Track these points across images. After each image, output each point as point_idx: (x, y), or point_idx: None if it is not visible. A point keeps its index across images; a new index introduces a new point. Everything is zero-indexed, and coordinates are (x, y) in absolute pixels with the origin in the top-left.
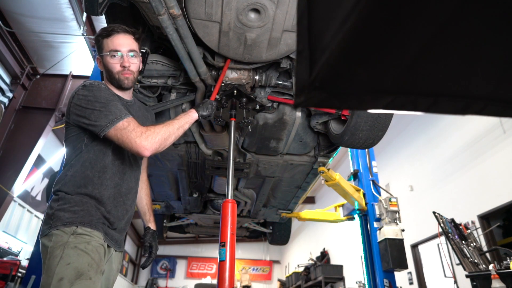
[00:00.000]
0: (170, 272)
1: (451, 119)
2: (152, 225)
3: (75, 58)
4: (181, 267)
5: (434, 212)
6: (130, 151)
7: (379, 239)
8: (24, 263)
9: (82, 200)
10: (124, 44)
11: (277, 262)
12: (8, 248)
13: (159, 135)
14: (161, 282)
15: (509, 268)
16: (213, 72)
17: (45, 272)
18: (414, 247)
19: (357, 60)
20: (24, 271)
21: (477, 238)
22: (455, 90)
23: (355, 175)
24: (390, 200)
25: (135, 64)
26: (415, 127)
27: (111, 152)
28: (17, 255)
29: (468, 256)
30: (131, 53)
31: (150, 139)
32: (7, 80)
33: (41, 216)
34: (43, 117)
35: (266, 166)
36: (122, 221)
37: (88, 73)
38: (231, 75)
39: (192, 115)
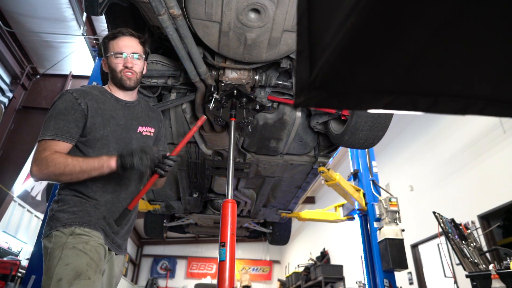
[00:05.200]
0: (170, 272)
1: (451, 119)
2: None
3: (75, 58)
4: (181, 267)
5: (434, 212)
6: None
7: (379, 239)
8: (24, 263)
9: (81, 200)
10: (128, 46)
11: (277, 262)
12: (8, 248)
13: (53, 168)
14: (161, 282)
15: (509, 268)
16: (213, 72)
17: (45, 273)
18: (414, 247)
19: (357, 60)
20: (24, 271)
21: (477, 238)
22: (455, 90)
23: (355, 175)
24: (390, 200)
25: (138, 65)
26: (415, 127)
27: None
28: (17, 255)
29: (468, 256)
30: (135, 55)
31: (43, 167)
32: (7, 80)
33: (41, 216)
34: (43, 117)
35: (266, 166)
36: (124, 227)
37: (88, 73)
38: (231, 75)
39: (108, 165)
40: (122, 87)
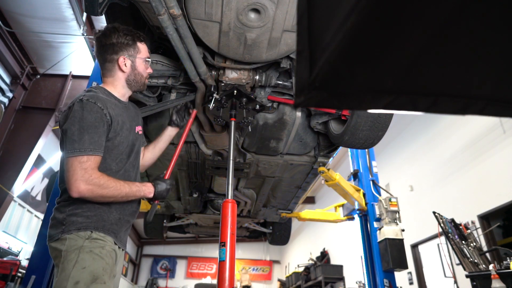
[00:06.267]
0: (170, 272)
1: (451, 119)
2: None
3: (75, 58)
4: (181, 267)
5: (434, 212)
6: (65, 183)
7: (379, 239)
8: (24, 263)
9: (95, 205)
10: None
11: (277, 262)
12: (8, 248)
13: (106, 191)
14: (161, 282)
15: (509, 268)
16: (213, 72)
17: (59, 275)
18: (414, 247)
19: (357, 60)
20: (24, 271)
21: (477, 238)
22: (455, 90)
23: (355, 175)
24: (390, 200)
25: None
26: (415, 127)
27: (114, 164)
28: (17, 255)
29: (468, 256)
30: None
31: (96, 188)
32: (7, 80)
33: (41, 216)
34: (43, 117)
35: (266, 166)
36: (130, 222)
37: (88, 73)
38: (231, 75)
39: (146, 192)
40: (141, 91)
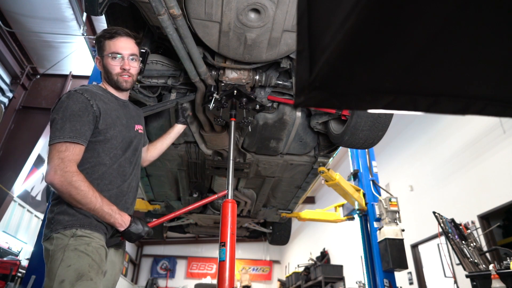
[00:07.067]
0: (170, 272)
1: (451, 119)
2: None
3: (75, 58)
4: (181, 267)
5: (434, 212)
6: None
7: (379, 239)
8: (24, 263)
9: None
10: (126, 48)
11: (277, 262)
12: (8, 248)
13: (74, 191)
14: (161, 282)
15: (509, 268)
16: (213, 72)
17: (47, 275)
18: (414, 247)
19: (357, 60)
20: (24, 271)
21: (477, 238)
22: (455, 90)
23: (355, 175)
24: (390, 200)
25: (134, 67)
26: (415, 127)
27: (107, 159)
28: (17, 255)
29: (468, 256)
30: (132, 57)
31: (66, 183)
32: (7, 80)
33: (41, 216)
34: (43, 117)
35: (266, 166)
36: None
37: (88, 73)
38: (231, 75)
39: (118, 221)
40: (118, 89)
